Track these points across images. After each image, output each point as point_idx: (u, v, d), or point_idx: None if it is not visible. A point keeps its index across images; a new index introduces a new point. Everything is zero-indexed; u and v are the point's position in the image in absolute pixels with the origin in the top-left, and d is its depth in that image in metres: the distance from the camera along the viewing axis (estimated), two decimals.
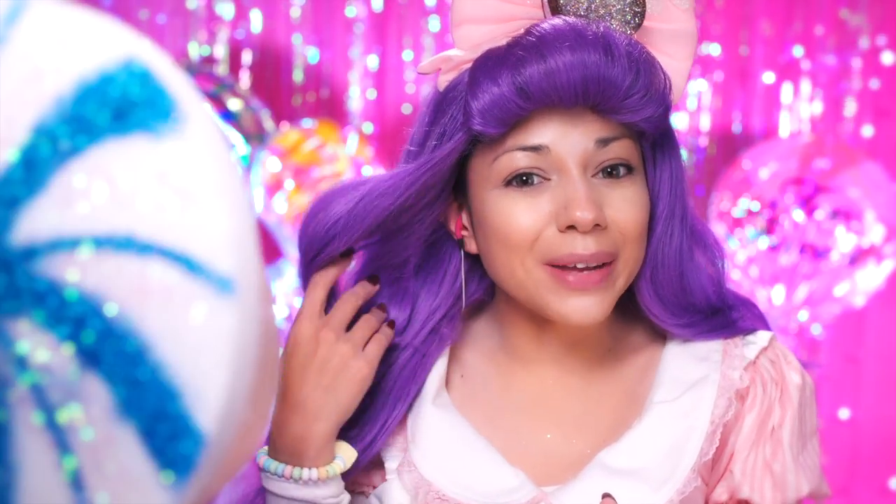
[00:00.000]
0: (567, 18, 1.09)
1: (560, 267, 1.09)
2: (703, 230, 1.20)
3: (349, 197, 1.12)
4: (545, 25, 1.08)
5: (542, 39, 1.06)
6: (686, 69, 1.15)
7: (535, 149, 1.08)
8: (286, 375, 1.11)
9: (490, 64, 1.08)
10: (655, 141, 1.14)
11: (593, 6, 1.11)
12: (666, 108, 1.10)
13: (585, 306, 1.09)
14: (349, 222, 1.11)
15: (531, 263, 1.09)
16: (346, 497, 1.13)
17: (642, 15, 1.11)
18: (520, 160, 1.08)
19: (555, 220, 1.08)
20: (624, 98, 1.06)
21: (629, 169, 1.10)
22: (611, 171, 1.09)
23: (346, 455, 1.12)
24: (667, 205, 1.14)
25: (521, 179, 1.09)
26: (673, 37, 1.14)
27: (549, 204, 1.08)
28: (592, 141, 1.08)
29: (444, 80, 1.13)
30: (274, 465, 1.11)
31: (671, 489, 1.11)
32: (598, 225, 1.07)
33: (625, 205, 1.09)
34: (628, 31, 1.11)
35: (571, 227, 1.07)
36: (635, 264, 1.12)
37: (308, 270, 1.15)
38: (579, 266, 1.08)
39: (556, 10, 1.11)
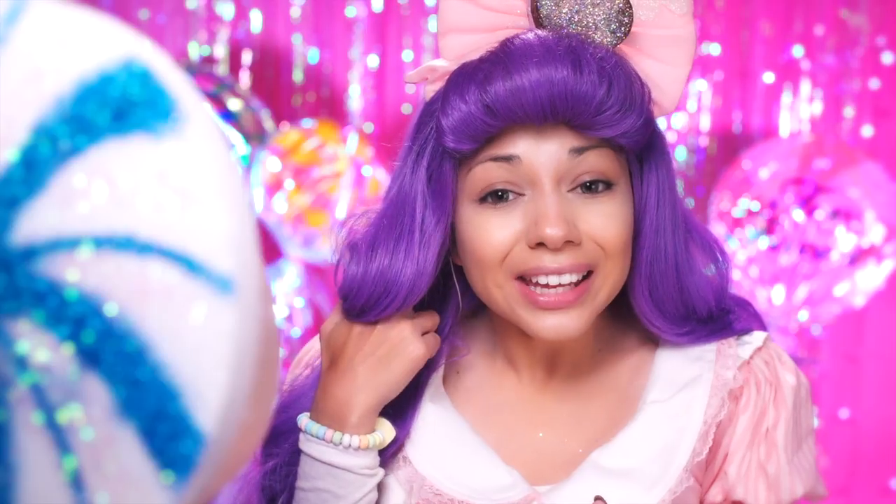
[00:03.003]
0: (540, 32, 1.07)
1: (530, 284, 1.07)
2: (704, 239, 1.18)
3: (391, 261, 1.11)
4: (516, 40, 1.06)
5: (510, 55, 1.05)
6: (683, 75, 1.13)
7: (507, 159, 1.06)
8: (344, 343, 1.12)
9: (460, 80, 1.07)
10: (641, 152, 1.12)
11: (576, 17, 1.09)
12: (646, 120, 1.07)
13: (559, 323, 1.08)
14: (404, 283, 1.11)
15: (502, 279, 1.08)
16: (381, 472, 1.13)
17: (629, 24, 1.09)
18: (493, 171, 1.07)
19: (525, 236, 1.06)
20: (596, 113, 1.04)
21: (608, 184, 1.08)
22: (589, 186, 1.07)
23: (387, 432, 1.12)
24: (654, 219, 1.12)
25: (496, 195, 1.08)
26: (669, 42, 1.12)
27: (521, 220, 1.07)
28: (566, 151, 1.06)
29: (430, 91, 1.12)
30: (315, 427, 1.11)
31: (663, 489, 1.11)
32: (570, 242, 1.06)
33: (602, 219, 1.07)
34: (614, 42, 1.09)
35: (541, 244, 1.06)
36: (618, 277, 1.10)
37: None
38: (552, 283, 1.07)
39: (538, 20, 1.09)
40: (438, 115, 1.07)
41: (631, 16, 1.09)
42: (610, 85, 1.04)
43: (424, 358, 1.12)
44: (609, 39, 1.09)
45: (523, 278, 1.08)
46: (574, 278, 1.07)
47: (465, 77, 1.06)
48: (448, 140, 1.07)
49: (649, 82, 1.11)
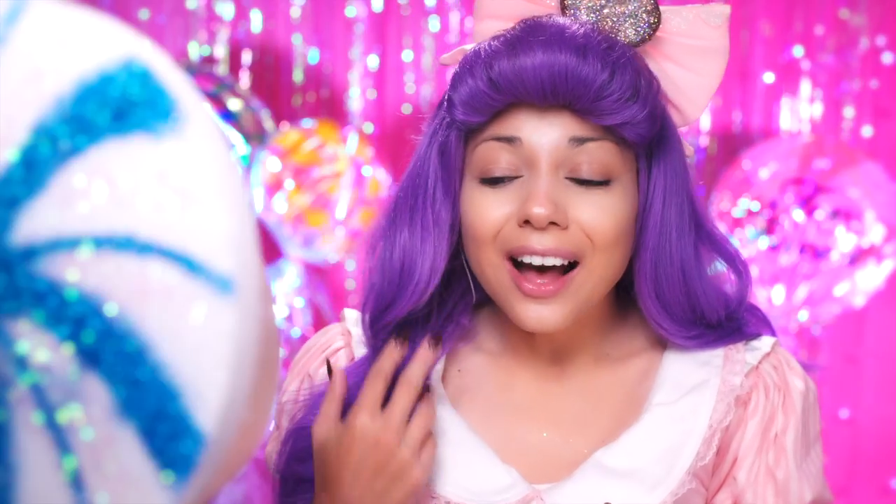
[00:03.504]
0: (557, 18, 1.10)
1: (518, 266, 1.09)
2: (723, 248, 1.18)
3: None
4: (530, 21, 1.10)
5: (519, 35, 1.08)
6: (711, 87, 1.14)
7: (509, 140, 1.09)
8: (339, 470, 1.08)
9: (471, 57, 1.10)
10: (651, 150, 1.12)
11: (603, 12, 1.11)
12: (651, 114, 1.08)
13: (540, 315, 1.09)
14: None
15: (494, 257, 1.10)
16: None
17: (656, 24, 1.11)
18: (495, 151, 1.09)
19: (515, 214, 1.08)
20: (596, 98, 1.06)
21: (607, 181, 1.09)
22: (589, 179, 1.09)
23: None
24: (659, 219, 1.12)
25: (495, 179, 1.10)
26: (700, 53, 1.13)
27: (514, 199, 1.09)
28: (566, 138, 1.08)
29: None
30: None
31: (665, 490, 1.11)
32: (556, 224, 1.07)
33: (594, 210, 1.08)
34: (638, 40, 1.11)
35: (528, 223, 1.07)
36: (604, 274, 1.10)
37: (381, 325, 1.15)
38: (535, 263, 1.08)
39: (564, 11, 1.12)
40: (449, 90, 1.11)
41: (658, 16, 1.11)
42: (613, 73, 1.06)
43: (424, 484, 1.09)
44: (633, 37, 1.11)
45: (514, 259, 1.09)
46: (558, 262, 1.08)
47: (476, 55, 1.10)
48: (457, 112, 1.10)
49: (675, 90, 1.13)
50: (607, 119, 1.07)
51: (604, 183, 1.09)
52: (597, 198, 1.09)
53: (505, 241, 1.09)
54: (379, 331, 1.15)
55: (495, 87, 1.07)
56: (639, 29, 1.11)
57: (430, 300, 1.15)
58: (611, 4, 1.11)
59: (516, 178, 1.09)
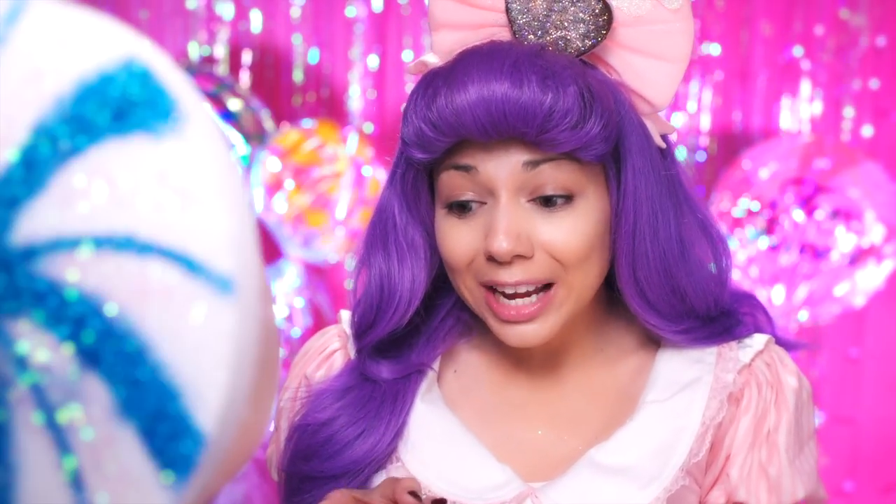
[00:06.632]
0: (498, 43, 1.07)
1: (493, 291, 1.09)
2: (708, 234, 1.17)
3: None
4: (467, 54, 1.06)
5: (454, 71, 1.05)
6: (677, 71, 1.10)
7: (465, 168, 1.07)
8: None
9: (417, 91, 1.08)
10: (616, 153, 1.09)
11: (551, 17, 1.07)
12: (604, 130, 1.04)
13: (522, 333, 1.10)
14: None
15: (471, 283, 1.11)
16: None
17: (606, 26, 1.07)
18: (455, 178, 1.08)
19: (482, 247, 1.08)
20: (541, 131, 1.02)
21: (568, 197, 1.07)
22: (549, 199, 1.07)
23: None
24: (631, 223, 1.10)
25: (461, 206, 1.09)
26: (662, 37, 1.09)
27: (481, 228, 1.08)
28: (520, 164, 1.06)
29: None
30: None
31: (658, 487, 1.11)
32: (521, 256, 1.06)
33: (559, 233, 1.07)
34: (589, 44, 1.07)
35: (493, 258, 1.07)
36: (583, 287, 1.10)
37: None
38: (508, 292, 1.08)
39: (509, 20, 1.08)
40: (402, 126, 1.09)
41: (609, 16, 1.07)
42: (555, 99, 1.02)
43: None
44: (582, 45, 1.07)
45: (485, 286, 1.10)
46: (531, 288, 1.08)
47: (421, 90, 1.08)
48: (410, 150, 1.09)
49: (640, 79, 1.10)
50: (558, 148, 1.04)
51: (566, 203, 1.07)
52: (561, 219, 1.07)
53: (477, 272, 1.09)
54: (363, 347, 1.17)
55: (437, 129, 1.05)
56: (588, 34, 1.07)
57: (415, 316, 1.16)
58: (557, 10, 1.07)
59: (481, 204, 1.09)
